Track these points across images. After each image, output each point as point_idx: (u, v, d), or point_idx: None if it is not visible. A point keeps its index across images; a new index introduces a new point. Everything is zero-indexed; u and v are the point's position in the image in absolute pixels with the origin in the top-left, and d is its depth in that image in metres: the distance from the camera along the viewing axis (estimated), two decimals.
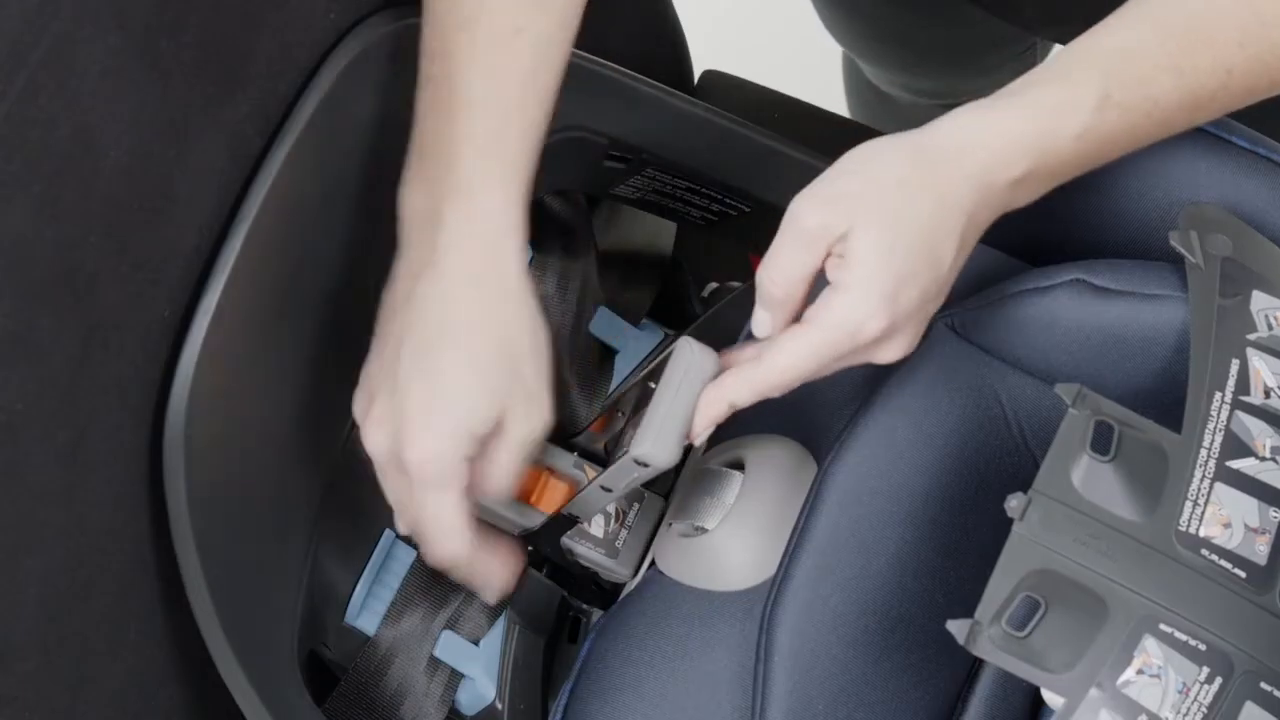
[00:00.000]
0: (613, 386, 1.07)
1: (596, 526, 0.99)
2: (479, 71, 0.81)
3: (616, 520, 1.00)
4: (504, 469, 0.83)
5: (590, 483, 0.89)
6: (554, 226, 1.03)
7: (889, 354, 0.80)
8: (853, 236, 0.77)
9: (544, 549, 0.98)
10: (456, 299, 0.81)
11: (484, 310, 0.81)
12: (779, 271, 0.80)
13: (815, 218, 0.78)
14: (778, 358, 0.80)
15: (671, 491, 1.02)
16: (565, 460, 1.00)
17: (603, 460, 0.99)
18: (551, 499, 0.98)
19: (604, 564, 1.00)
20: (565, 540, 0.98)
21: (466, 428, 0.80)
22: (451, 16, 0.82)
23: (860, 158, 0.79)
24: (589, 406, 1.06)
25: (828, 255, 0.78)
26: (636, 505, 1.01)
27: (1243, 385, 0.78)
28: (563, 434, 1.06)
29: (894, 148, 0.79)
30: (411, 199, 0.83)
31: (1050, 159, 0.79)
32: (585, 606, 1.04)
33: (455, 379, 0.80)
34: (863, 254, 0.77)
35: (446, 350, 0.80)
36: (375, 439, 0.82)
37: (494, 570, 0.91)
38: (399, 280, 0.83)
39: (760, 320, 0.82)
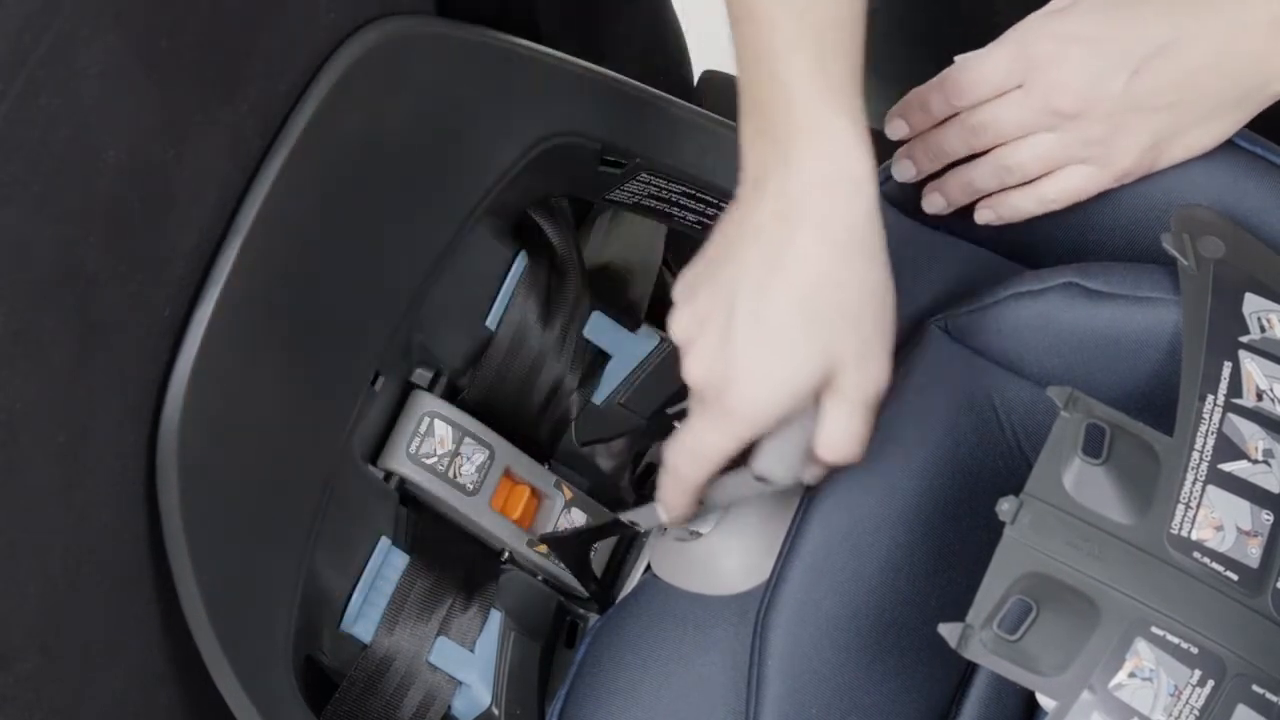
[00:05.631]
0: (606, 391, 1.07)
1: None
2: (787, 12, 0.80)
3: None
4: (840, 426, 0.81)
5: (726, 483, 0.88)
6: (539, 235, 1.04)
7: None
8: None
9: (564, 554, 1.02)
10: (804, 249, 0.79)
11: (831, 264, 0.80)
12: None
13: None
14: None
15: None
16: (546, 480, 1.04)
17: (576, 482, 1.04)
18: (525, 514, 1.02)
19: (571, 585, 1.04)
20: (539, 560, 1.00)
21: (791, 383, 0.80)
22: None
23: None
24: (583, 409, 1.06)
25: None
26: None
27: (1235, 388, 0.78)
28: (556, 439, 1.07)
29: None
30: (754, 150, 0.82)
31: None
32: (583, 611, 1.05)
33: (788, 331, 0.79)
34: None
35: (783, 299, 0.79)
36: (696, 371, 0.82)
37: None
38: (752, 208, 0.81)
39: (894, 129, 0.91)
